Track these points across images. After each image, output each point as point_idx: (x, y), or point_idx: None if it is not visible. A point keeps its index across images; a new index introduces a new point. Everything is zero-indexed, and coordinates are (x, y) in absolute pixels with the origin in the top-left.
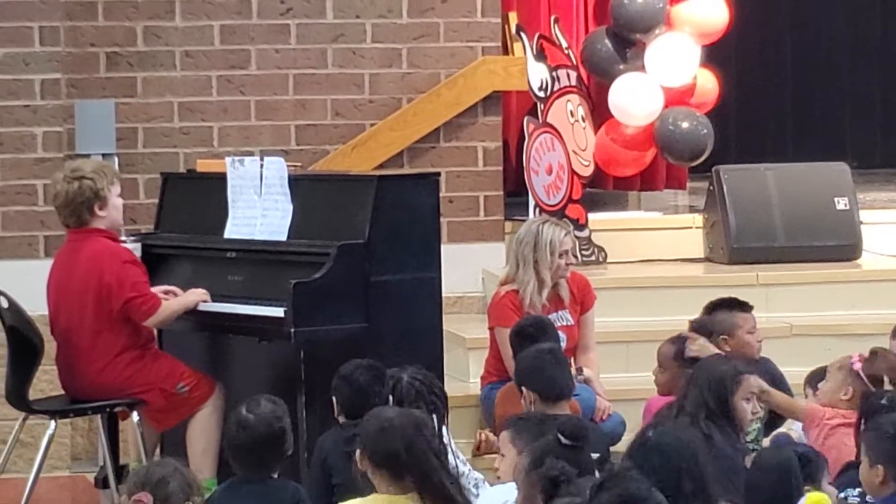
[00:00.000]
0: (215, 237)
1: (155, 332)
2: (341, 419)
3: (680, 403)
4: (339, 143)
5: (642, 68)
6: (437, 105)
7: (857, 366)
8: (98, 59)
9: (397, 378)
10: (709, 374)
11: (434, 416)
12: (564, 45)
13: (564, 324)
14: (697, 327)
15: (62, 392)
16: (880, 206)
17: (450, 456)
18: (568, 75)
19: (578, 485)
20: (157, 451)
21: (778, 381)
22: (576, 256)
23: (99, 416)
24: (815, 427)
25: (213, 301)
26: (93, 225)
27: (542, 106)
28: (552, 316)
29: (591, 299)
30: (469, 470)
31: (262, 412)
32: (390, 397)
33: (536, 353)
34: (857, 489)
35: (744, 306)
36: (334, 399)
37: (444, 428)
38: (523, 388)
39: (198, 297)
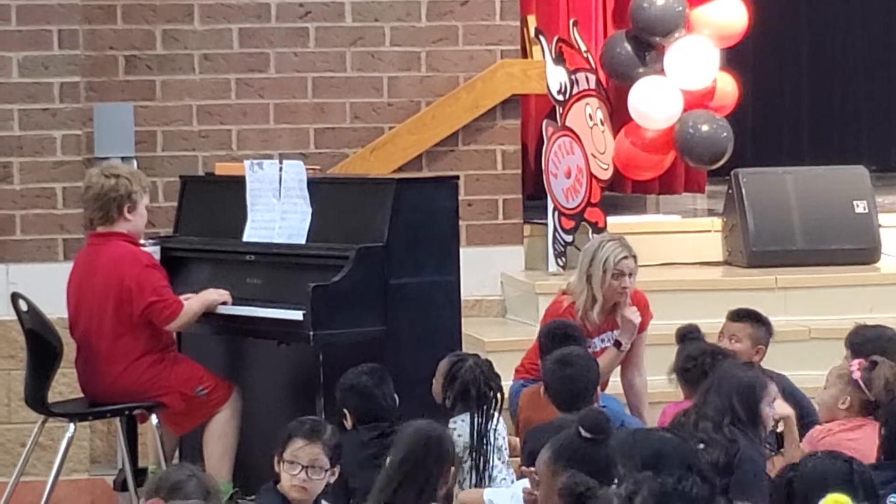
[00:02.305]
0: (234, 240)
1: (174, 335)
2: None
3: (699, 410)
4: (358, 147)
5: (662, 71)
6: (455, 108)
7: (857, 375)
8: (117, 62)
9: (463, 358)
10: (737, 380)
11: (484, 406)
12: (583, 48)
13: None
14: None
15: (81, 395)
16: None
17: (493, 456)
18: (587, 79)
19: (601, 497)
20: (177, 454)
21: (795, 395)
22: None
23: (118, 419)
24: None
25: (232, 304)
26: (117, 227)
27: (561, 109)
28: (605, 335)
29: (647, 320)
30: (506, 466)
31: None
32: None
33: (557, 363)
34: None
35: (745, 314)
36: (345, 411)
37: (490, 422)
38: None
39: (217, 295)
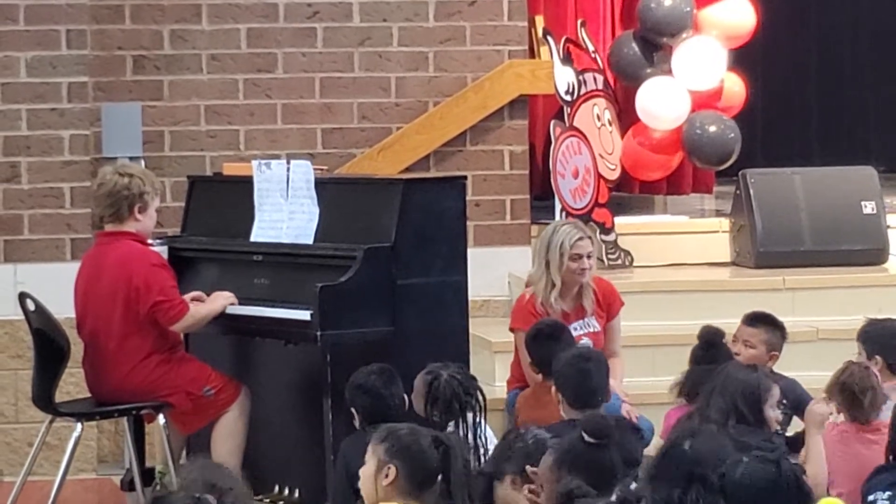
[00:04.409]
0: (241, 240)
1: (182, 335)
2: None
3: (703, 413)
4: (366, 147)
5: (669, 72)
6: (463, 108)
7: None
8: (125, 62)
9: (436, 374)
10: (741, 383)
11: (470, 414)
12: (591, 48)
13: (591, 330)
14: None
15: (88, 395)
16: None
17: (489, 450)
18: (595, 79)
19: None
20: (184, 454)
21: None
22: (601, 260)
23: (125, 418)
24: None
25: (240, 304)
26: (126, 226)
27: (569, 109)
28: (577, 324)
29: (617, 306)
30: None
31: None
32: (419, 384)
33: (575, 357)
34: (887, 492)
35: (753, 318)
36: (353, 410)
37: (481, 425)
38: (553, 387)
39: (225, 301)
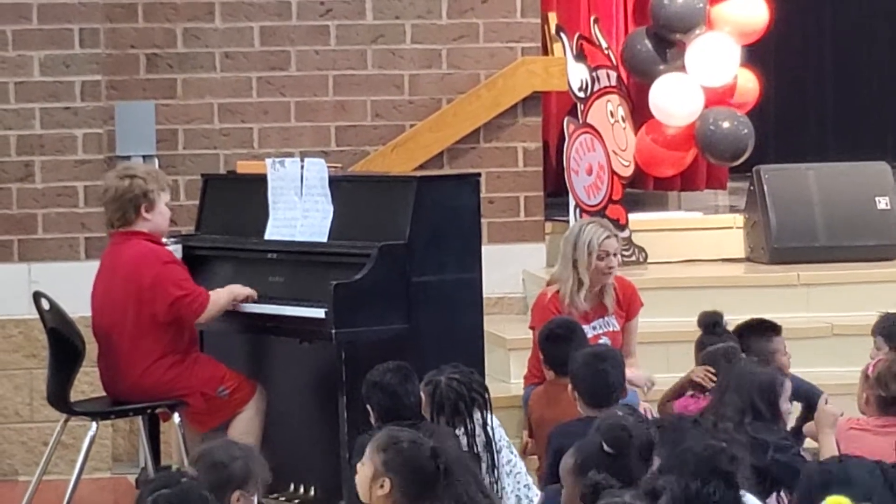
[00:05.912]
0: (256, 238)
1: (197, 335)
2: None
3: (717, 411)
4: (379, 144)
5: (682, 68)
6: (476, 106)
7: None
8: (138, 60)
9: (435, 382)
10: (757, 378)
11: (476, 410)
12: (604, 45)
13: (610, 329)
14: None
15: (103, 394)
16: None
17: (502, 447)
18: (608, 75)
19: (612, 494)
20: None
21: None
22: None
23: (140, 417)
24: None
25: (255, 302)
26: (137, 227)
27: (583, 106)
28: (596, 322)
29: (637, 306)
30: (517, 458)
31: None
32: (423, 396)
33: (591, 357)
34: None
35: (776, 329)
36: (369, 407)
37: (489, 417)
38: (569, 385)
39: (244, 290)
